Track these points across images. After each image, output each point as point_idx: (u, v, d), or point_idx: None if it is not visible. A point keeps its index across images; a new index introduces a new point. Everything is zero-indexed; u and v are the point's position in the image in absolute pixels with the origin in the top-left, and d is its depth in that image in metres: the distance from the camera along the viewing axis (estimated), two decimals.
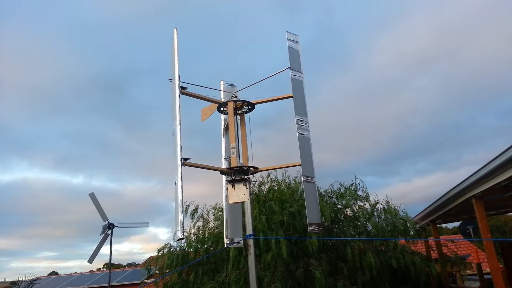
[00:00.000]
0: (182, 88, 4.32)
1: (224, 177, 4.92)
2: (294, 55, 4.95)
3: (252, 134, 4.85)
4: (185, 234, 3.69)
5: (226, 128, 5.16)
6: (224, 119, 5.25)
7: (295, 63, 4.90)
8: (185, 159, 3.93)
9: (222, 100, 5.11)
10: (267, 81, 4.93)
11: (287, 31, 5.00)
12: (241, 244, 4.74)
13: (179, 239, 3.75)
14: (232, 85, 5.34)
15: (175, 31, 4.45)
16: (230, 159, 4.93)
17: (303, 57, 5.04)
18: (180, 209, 3.71)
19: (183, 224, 3.69)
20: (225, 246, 4.87)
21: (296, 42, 5.07)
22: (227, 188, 4.77)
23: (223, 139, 5.17)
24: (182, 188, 3.73)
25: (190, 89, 4.45)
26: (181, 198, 3.70)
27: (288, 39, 4.98)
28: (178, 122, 4.05)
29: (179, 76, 4.30)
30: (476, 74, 68.42)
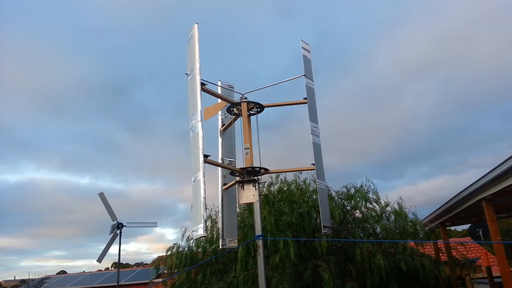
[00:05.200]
0: (202, 84, 4.23)
1: (220, 177, 4.93)
2: (307, 63, 5.02)
3: (256, 136, 4.86)
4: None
5: (224, 129, 5.18)
6: (222, 119, 5.26)
7: (308, 71, 4.97)
8: (206, 156, 3.89)
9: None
10: (264, 85, 4.97)
11: (301, 40, 5.07)
12: (235, 246, 4.73)
13: (202, 237, 3.74)
14: (230, 86, 5.35)
15: (195, 26, 4.38)
16: (227, 160, 4.95)
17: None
18: (203, 206, 3.68)
19: (206, 220, 3.67)
20: (220, 247, 4.88)
21: (309, 51, 5.15)
22: (224, 189, 4.80)
23: (219, 140, 5.18)
24: (204, 185, 3.71)
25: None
26: (204, 195, 3.67)
27: (303, 48, 5.05)
28: (199, 118, 3.96)
29: (200, 72, 4.19)
30: (476, 79, 67.66)
